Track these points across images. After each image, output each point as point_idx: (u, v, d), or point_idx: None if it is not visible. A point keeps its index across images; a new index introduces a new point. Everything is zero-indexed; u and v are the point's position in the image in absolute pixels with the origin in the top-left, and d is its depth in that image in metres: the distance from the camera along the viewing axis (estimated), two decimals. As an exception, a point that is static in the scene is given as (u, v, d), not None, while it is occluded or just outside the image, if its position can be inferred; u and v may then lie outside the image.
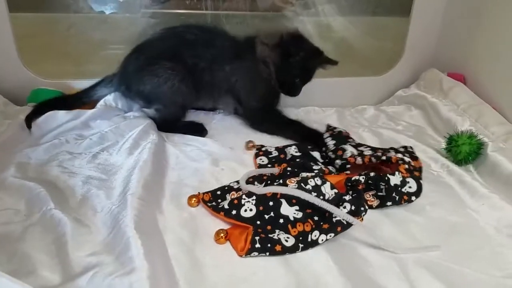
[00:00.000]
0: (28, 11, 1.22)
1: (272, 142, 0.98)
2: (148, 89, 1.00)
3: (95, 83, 1.07)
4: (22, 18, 1.18)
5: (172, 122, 1.02)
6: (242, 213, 0.66)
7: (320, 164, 0.86)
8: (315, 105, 1.19)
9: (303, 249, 0.64)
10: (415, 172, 0.80)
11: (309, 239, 0.65)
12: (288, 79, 1.00)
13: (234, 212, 0.67)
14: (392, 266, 0.62)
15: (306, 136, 0.99)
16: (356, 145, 0.91)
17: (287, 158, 0.89)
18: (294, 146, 0.92)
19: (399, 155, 0.79)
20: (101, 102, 1.06)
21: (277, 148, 0.93)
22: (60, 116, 0.98)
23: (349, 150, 0.85)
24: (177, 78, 0.98)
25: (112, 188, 0.75)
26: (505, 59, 1.00)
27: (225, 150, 0.93)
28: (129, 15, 1.46)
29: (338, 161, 0.84)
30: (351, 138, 0.94)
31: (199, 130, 1.02)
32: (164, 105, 1.02)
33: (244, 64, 1.02)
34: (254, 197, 0.69)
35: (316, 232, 0.65)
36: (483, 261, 0.64)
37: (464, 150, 0.87)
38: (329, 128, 0.94)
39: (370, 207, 0.75)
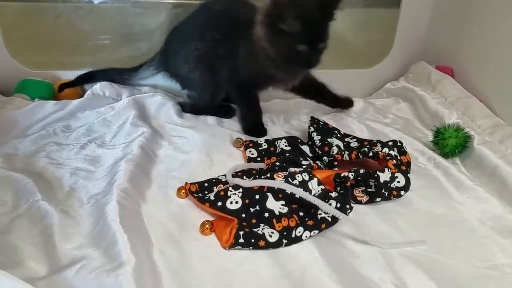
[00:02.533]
0: (15, 0, 1.20)
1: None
2: (182, 73, 1.02)
3: (139, 64, 1.09)
4: (9, 7, 1.16)
5: (202, 109, 1.05)
6: (228, 205, 0.67)
7: (309, 159, 0.86)
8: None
9: (287, 245, 0.64)
10: (403, 166, 0.80)
11: (293, 235, 0.65)
12: (290, 51, 0.85)
13: (219, 203, 0.67)
14: (378, 258, 0.63)
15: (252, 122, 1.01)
16: (343, 136, 0.92)
17: (277, 152, 0.90)
18: (284, 140, 0.91)
19: (386, 150, 0.80)
20: (89, 91, 1.07)
21: (267, 141, 0.93)
22: (47, 106, 0.98)
23: (335, 145, 0.85)
24: (205, 66, 0.98)
25: (99, 180, 0.76)
26: (493, 53, 1.00)
27: (216, 142, 0.93)
28: (119, 4, 1.44)
29: (325, 158, 0.85)
30: (336, 129, 0.94)
31: (228, 112, 1.05)
32: (196, 91, 1.04)
33: (245, 40, 0.91)
34: (240, 190, 0.69)
35: (301, 229, 0.66)
36: (466, 253, 0.66)
37: (451, 143, 0.88)
38: (314, 121, 0.93)
39: (360, 202, 0.76)
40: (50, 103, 0.99)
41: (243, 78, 0.97)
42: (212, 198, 0.69)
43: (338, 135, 0.93)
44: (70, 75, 1.10)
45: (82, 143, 0.88)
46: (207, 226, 0.66)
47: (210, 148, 0.90)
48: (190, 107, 1.06)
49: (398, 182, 0.76)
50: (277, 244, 0.64)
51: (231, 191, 0.69)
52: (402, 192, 0.76)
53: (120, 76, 1.11)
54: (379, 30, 1.33)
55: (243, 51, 0.94)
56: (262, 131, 1.00)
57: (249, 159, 0.88)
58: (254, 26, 0.88)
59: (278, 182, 0.70)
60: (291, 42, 0.84)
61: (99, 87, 1.09)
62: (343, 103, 1.12)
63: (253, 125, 1.01)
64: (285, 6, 0.82)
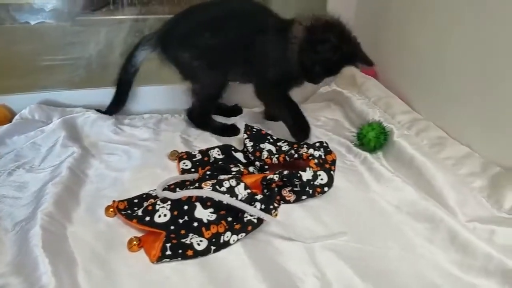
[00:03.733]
0: None
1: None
2: (185, 59, 1.02)
3: (133, 47, 1.06)
4: None
5: (205, 114, 1.08)
6: (156, 219, 0.68)
7: (240, 165, 0.89)
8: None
9: (215, 251, 0.66)
10: (326, 164, 0.85)
11: (221, 241, 0.67)
12: (308, 65, 0.95)
13: (147, 218, 0.68)
14: (302, 253, 0.66)
15: (296, 124, 1.03)
16: (275, 141, 0.96)
17: (211, 161, 0.91)
18: (217, 149, 0.94)
19: (310, 151, 0.84)
20: (17, 116, 1.05)
21: (200, 151, 0.94)
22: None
23: (266, 150, 0.89)
24: (216, 56, 1.00)
25: (24, 206, 0.74)
26: (410, 56, 1.08)
27: (151, 157, 0.94)
28: (58, 23, 1.42)
29: (257, 163, 0.88)
30: (269, 135, 0.98)
31: (233, 130, 1.07)
32: (199, 83, 1.04)
33: (273, 38, 0.99)
34: (169, 202, 0.70)
35: (228, 233, 0.68)
36: (383, 238, 0.70)
37: (371, 135, 0.94)
38: (247, 128, 0.96)
39: (288, 202, 0.79)
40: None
41: (274, 79, 1.01)
42: (140, 213, 0.69)
43: (271, 140, 0.96)
44: (5, 100, 1.07)
45: (9, 170, 0.85)
46: (135, 242, 0.66)
47: (144, 163, 0.91)
48: (198, 111, 1.08)
49: (321, 179, 0.80)
50: (205, 252, 0.65)
51: (159, 204, 0.70)
52: (325, 189, 0.80)
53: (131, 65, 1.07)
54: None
55: (274, 53, 0.99)
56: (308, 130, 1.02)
57: (183, 171, 0.89)
58: (290, 33, 0.97)
59: (205, 190, 0.72)
60: (313, 61, 0.94)
61: (28, 111, 1.07)
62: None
63: (303, 127, 1.02)
64: (325, 32, 0.93)
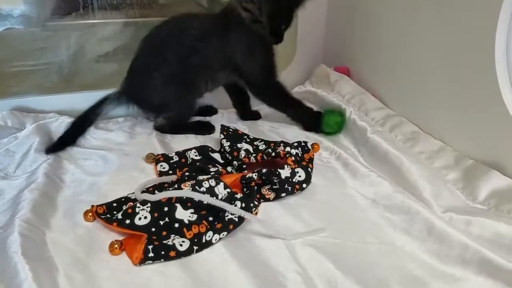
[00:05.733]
0: None
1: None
2: (155, 99, 1.04)
3: (98, 101, 1.04)
4: None
5: (181, 125, 1.07)
6: (136, 221, 0.67)
7: (218, 166, 0.89)
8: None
9: (198, 251, 0.66)
10: (303, 162, 0.86)
11: (204, 240, 0.67)
12: (277, 25, 0.99)
13: (128, 221, 0.67)
14: (283, 249, 0.67)
15: (306, 118, 1.08)
16: (252, 140, 0.97)
17: (188, 162, 0.92)
18: (194, 150, 0.94)
19: (287, 149, 0.86)
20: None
21: (177, 153, 0.94)
22: None
23: (244, 149, 0.90)
24: (176, 80, 1.01)
25: (1, 213, 0.73)
26: (382, 54, 1.11)
27: (127, 160, 0.93)
28: (27, 29, 1.39)
29: (235, 163, 0.89)
30: (246, 134, 0.99)
31: (207, 129, 1.07)
32: (174, 111, 1.05)
33: (233, 34, 1.01)
34: (149, 205, 0.70)
35: (210, 233, 0.68)
36: (361, 232, 0.72)
37: (330, 119, 1.04)
38: (224, 128, 0.97)
39: (268, 200, 0.80)
40: None
41: (258, 75, 1.04)
42: (120, 217, 0.69)
43: (247, 140, 0.97)
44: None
45: (-17, 178, 0.84)
46: (116, 245, 0.65)
47: (121, 167, 0.90)
48: (170, 127, 1.07)
49: (300, 176, 0.81)
50: (187, 252, 0.66)
51: (139, 207, 0.70)
52: (304, 185, 0.82)
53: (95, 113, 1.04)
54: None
55: (242, 46, 1.02)
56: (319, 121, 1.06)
57: (161, 173, 0.89)
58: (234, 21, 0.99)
59: (185, 191, 0.72)
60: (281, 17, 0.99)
61: (0, 118, 1.04)
62: (254, 116, 1.19)
63: (310, 118, 1.07)
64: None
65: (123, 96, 1.05)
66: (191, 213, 0.71)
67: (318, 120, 1.06)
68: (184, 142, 1.02)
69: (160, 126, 1.08)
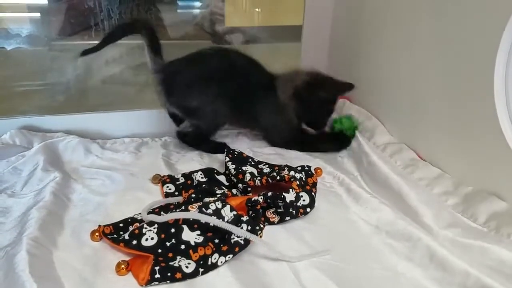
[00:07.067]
0: None
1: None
2: (194, 105, 1.06)
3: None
4: None
5: (205, 139, 1.11)
6: (143, 242, 0.68)
7: (224, 188, 0.91)
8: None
9: (203, 273, 0.67)
10: (307, 186, 0.88)
11: (209, 262, 0.68)
12: (311, 120, 1.14)
13: (134, 242, 0.68)
14: (287, 272, 0.68)
15: (332, 144, 1.14)
16: (256, 164, 0.98)
17: (194, 184, 0.93)
18: (200, 172, 0.96)
19: (292, 173, 0.87)
20: (-3, 142, 1.03)
21: (183, 174, 0.96)
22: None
23: (249, 172, 0.91)
24: (224, 100, 1.06)
25: (8, 231, 0.73)
26: (383, 83, 1.14)
27: (134, 181, 0.94)
28: (35, 49, 1.43)
29: (240, 185, 0.90)
30: (250, 157, 1.01)
31: (223, 149, 1.06)
32: (205, 123, 1.09)
33: (269, 102, 1.09)
34: (155, 226, 0.71)
35: (216, 255, 0.69)
36: (364, 257, 0.73)
37: (344, 124, 1.14)
38: (229, 151, 0.99)
39: (272, 223, 0.81)
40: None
41: (286, 137, 1.14)
42: (126, 237, 0.70)
43: (252, 163, 0.99)
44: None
45: (-10, 195, 0.85)
46: (123, 266, 0.66)
47: (127, 187, 0.91)
48: (193, 137, 1.11)
49: (304, 200, 0.83)
50: (193, 274, 0.66)
51: (145, 228, 0.71)
52: (308, 209, 0.83)
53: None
54: (287, 60, 1.46)
55: (271, 114, 1.12)
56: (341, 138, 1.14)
57: (167, 195, 0.90)
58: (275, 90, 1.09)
59: (192, 213, 0.73)
60: (314, 115, 1.14)
61: (8, 136, 1.07)
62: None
63: (335, 142, 1.14)
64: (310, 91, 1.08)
65: (159, 74, 1.07)
66: (198, 235, 0.72)
67: (337, 138, 1.14)
68: (190, 164, 1.04)
69: (184, 133, 1.12)
